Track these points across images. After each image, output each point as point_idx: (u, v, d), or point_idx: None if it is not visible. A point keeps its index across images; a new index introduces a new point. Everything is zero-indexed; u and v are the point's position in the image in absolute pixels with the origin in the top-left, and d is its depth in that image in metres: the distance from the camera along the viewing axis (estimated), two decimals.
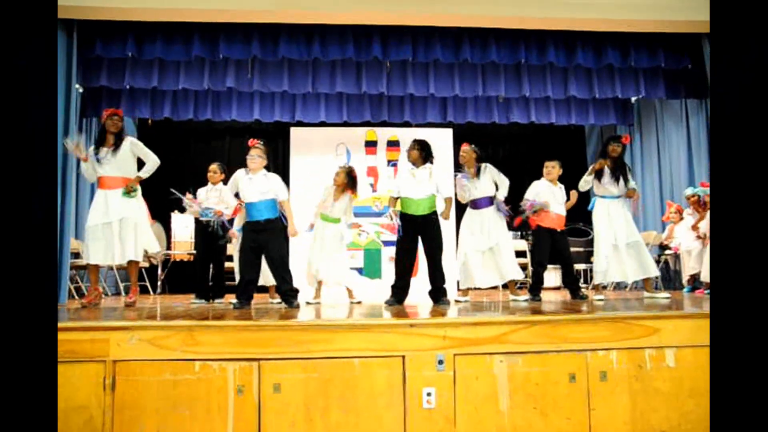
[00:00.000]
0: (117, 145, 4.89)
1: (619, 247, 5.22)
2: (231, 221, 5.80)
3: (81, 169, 5.04)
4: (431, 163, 5.13)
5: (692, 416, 3.28)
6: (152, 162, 5.01)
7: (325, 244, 5.55)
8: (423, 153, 5.10)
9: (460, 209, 5.69)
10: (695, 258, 6.71)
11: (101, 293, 5.13)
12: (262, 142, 4.96)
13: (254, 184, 4.69)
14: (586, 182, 5.40)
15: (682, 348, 3.34)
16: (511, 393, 3.19)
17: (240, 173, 4.84)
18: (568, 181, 5.62)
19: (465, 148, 5.54)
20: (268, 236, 4.60)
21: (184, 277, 8.21)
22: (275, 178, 4.79)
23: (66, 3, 5.61)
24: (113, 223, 4.76)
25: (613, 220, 5.27)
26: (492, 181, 5.41)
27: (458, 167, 8.17)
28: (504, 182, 5.42)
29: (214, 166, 5.96)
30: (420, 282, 5.37)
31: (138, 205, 4.95)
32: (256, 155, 4.75)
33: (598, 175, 5.35)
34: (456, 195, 5.58)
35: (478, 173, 5.41)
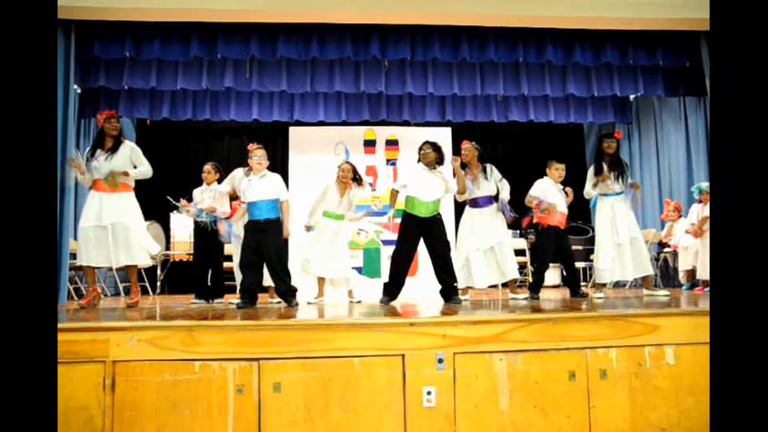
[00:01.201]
0: (115, 149, 4.85)
1: (622, 245, 5.22)
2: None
3: (78, 179, 4.95)
4: (442, 165, 5.09)
5: (692, 413, 3.28)
6: (145, 169, 4.95)
7: (326, 240, 5.56)
8: (438, 156, 5.02)
9: (458, 209, 5.68)
10: (693, 255, 6.75)
11: (99, 294, 5.12)
12: (260, 146, 5.00)
13: (256, 183, 4.74)
14: (589, 192, 5.40)
15: (682, 345, 3.35)
16: (511, 391, 3.19)
17: (239, 172, 4.85)
18: (568, 179, 5.61)
19: (466, 145, 5.52)
20: (267, 236, 4.63)
21: (184, 278, 8.21)
22: (277, 179, 4.84)
23: (64, 3, 5.60)
24: (107, 228, 4.71)
25: (617, 217, 5.26)
26: (494, 182, 5.42)
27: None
28: (505, 186, 5.46)
29: (208, 167, 5.95)
30: (419, 281, 5.36)
31: (131, 209, 4.90)
32: (264, 157, 4.82)
33: (601, 174, 5.33)
34: (455, 193, 5.57)
35: (484, 171, 5.43)
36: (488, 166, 5.48)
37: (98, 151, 4.85)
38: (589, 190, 5.42)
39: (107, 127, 4.90)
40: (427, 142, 5.08)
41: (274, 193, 4.72)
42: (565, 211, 5.39)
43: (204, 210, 5.72)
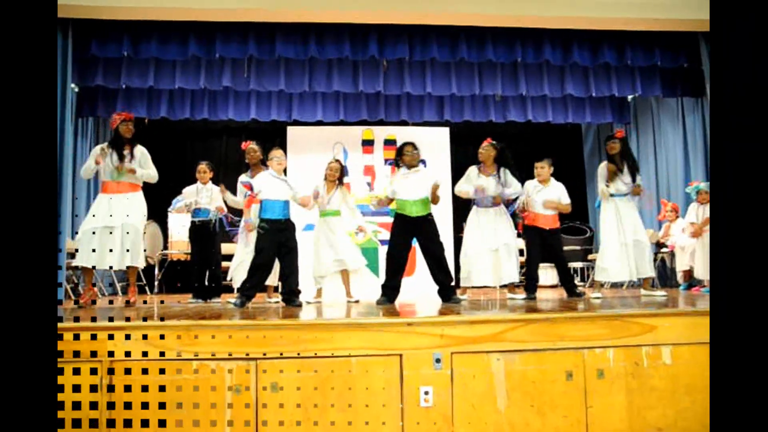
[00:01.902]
0: (132, 154, 4.86)
1: (626, 245, 5.20)
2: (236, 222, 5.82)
3: (83, 169, 4.99)
4: (423, 164, 5.12)
5: (688, 413, 3.29)
6: (152, 173, 4.99)
7: (333, 237, 5.56)
8: (417, 154, 5.07)
9: (463, 208, 5.67)
10: (689, 255, 6.76)
11: (96, 293, 5.12)
12: (255, 142, 5.00)
13: (279, 183, 4.80)
14: (603, 191, 5.35)
15: (679, 345, 3.35)
16: (509, 391, 3.20)
17: (265, 174, 4.89)
18: (566, 180, 5.62)
19: (485, 144, 5.51)
20: (290, 234, 4.74)
21: (181, 277, 8.19)
22: (292, 181, 4.97)
23: (61, 2, 5.58)
24: (114, 228, 4.72)
25: (622, 217, 5.23)
26: (503, 185, 5.41)
27: (457, 166, 8.16)
28: (514, 186, 5.43)
29: (203, 166, 5.92)
30: (416, 281, 5.35)
31: (139, 210, 4.91)
32: (284, 157, 4.92)
33: (611, 174, 5.29)
34: (455, 190, 5.59)
35: (498, 172, 5.41)
36: (502, 169, 5.44)
37: (112, 153, 4.84)
38: (603, 188, 5.35)
39: (122, 129, 4.90)
40: (409, 144, 5.12)
41: (291, 195, 4.85)
42: (547, 213, 5.38)
43: (214, 208, 5.73)
